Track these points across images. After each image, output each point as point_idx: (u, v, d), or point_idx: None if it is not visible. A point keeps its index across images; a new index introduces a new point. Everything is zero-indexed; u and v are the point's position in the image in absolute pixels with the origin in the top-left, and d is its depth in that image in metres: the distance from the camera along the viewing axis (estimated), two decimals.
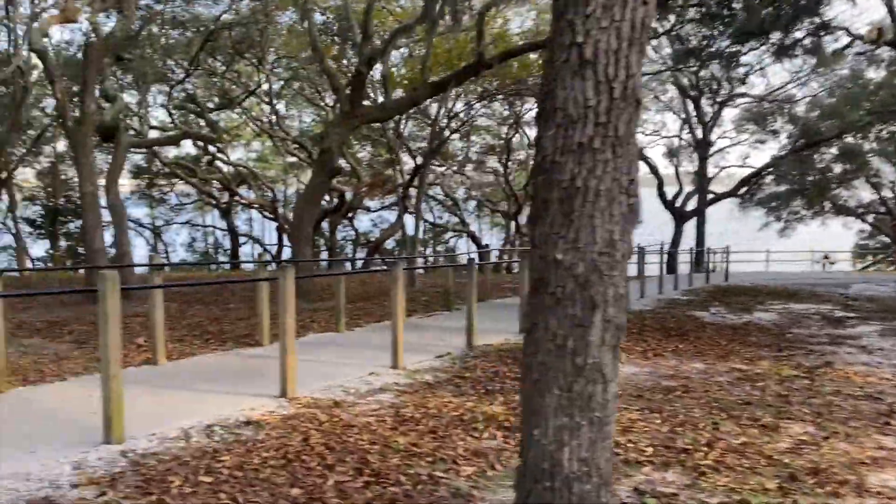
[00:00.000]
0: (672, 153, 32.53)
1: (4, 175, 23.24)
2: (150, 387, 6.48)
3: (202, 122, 20.58)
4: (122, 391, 4.84)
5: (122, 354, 8.17)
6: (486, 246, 34.88)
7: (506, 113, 29.38)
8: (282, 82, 24.20)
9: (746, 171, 34.94)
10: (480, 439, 5.02)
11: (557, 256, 2.99)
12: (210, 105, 20.86)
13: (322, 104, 26.95)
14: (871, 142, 34.11)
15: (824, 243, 42.21)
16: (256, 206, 29.24)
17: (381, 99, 16.37)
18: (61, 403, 5.90)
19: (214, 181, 28.66)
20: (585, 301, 2.99)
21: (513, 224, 34.41)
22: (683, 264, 30.27)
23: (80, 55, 14.74)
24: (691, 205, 32.15)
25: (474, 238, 34.25)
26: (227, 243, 35.42)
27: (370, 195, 28.94)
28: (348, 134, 14.26)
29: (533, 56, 15.95)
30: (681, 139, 32.45)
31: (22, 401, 6.00)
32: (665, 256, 22.84)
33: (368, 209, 34.93)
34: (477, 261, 22.59)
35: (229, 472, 4.29)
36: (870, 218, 41.25)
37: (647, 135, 33.11)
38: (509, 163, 30.79)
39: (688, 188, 32.24)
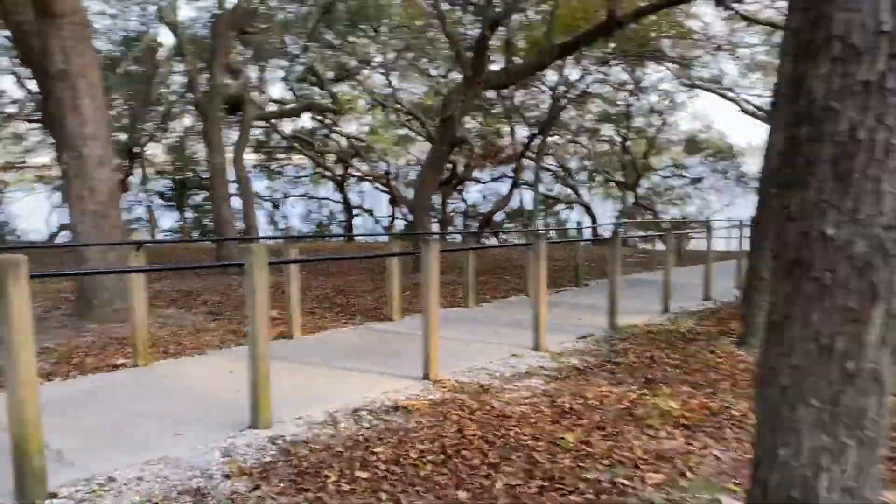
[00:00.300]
0: None
1: (137, 150, 24.23)
2: (288, 363, 6.23)
3: (320, 95, 20.62)
4: (269, 372, 4.53)
5: None
6: (594, 220, 33.76)
7: (624, 77, 28.04)
8: (395, 53, 23.89)
9: None
10: (658, 439, 4.40)
11: (827, 231, 2.32)
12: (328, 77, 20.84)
13: (434, 74, 26.55)
14: None
15: None
16: (370, 178, 29.29)
17: (496, 67, 15.71)
18: (203, 380, 5.72)
19: (330, 154, 28.89)
20: (864, 290, 2.31)
21: (630, 195, 33.06)
22: None
23: (204, 32, 14.86)
24: None
25: (588, 209, 33.08)
26: (340, 215, 35.96)
27: (482, 166, 28.39)
28: (471, 102, 13.70)
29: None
30: None
31: (165, 376, 5.87)
32: None
33: (477, 181, 34.46)
34: (593, 234, 21.59)
35: (386, 468, 3.88)
36: None
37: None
38: (629, 131, 29.36)
39: None
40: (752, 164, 34.49)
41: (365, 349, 6.94)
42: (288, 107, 20.84)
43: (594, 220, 33.19)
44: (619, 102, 32.61)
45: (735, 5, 14.47)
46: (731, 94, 28.94)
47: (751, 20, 15.43)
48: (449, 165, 27.44)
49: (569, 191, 36.16)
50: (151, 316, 8.33)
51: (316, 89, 21.14)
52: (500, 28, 13.58)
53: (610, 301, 8.28)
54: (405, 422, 4.67)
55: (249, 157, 36.91)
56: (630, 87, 27.48)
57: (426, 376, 5.73)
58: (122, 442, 4.26)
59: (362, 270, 14.34)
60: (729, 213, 32.96)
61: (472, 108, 14.99)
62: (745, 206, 34.50)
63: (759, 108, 29.69)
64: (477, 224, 33.15)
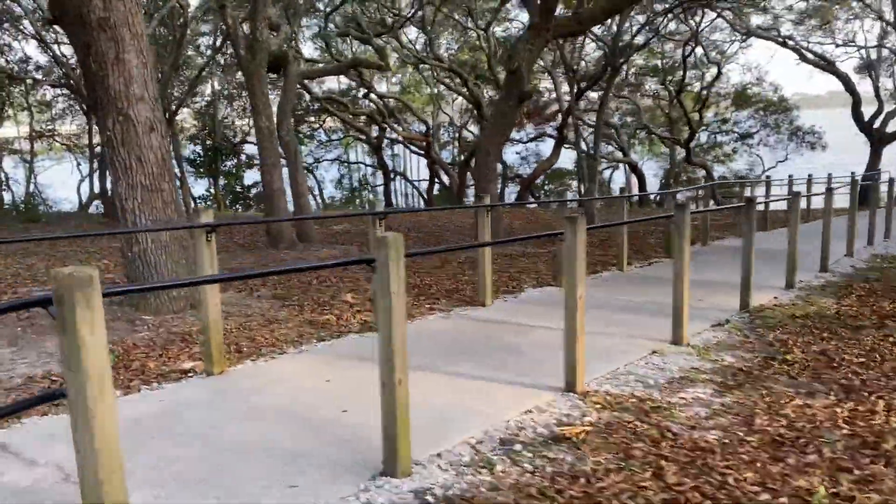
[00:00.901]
0: (869, 67, 28.14)
1: (167, 116, 23.14)
2: None
3: (362, 51, 19.35)
4: (409, 404, 3.42)
5: (334, 317, 7.09)
6: (641, 179, 32.20)
7: (672, 27, 26.33)
8: (433, 6, 22.38)
9: None
10: None
11: None
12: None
13: (472, 27, 25.01)
14: None
15: None
16: (408, 140, 27.98)
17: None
18: (297, 393, 4.65)
19: (363, 115, 27.61)
20: None
21: (679, 151, 31.47)
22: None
23: None
24: (891, 126, 27.87)
25: (635, 169, 31.55)
26: (376, 179, 34.75)
27: (525, 124, 26.98)
28: (540, 50, 12.37)
29: None
30: (881, 48, 27.97)
31: (249, 389, 4.81)
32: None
33: (515, 141, 32.97)
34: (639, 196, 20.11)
35: None
36: None
37: (837, 46, 28.83)
38: (681, 84, 27.68)
39: (888, 107, 27.89)
40: (807, 118, 32.64)
41: (470, 344, 5.83)
42: (335, 64, 19.50)
43: (641, 180, 31.72)
44: (666, 54, 30.96)
45: None
46: (790, 43, 27.09)
47: None
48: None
49: (611, 149, 34.67)
50: None
51: (356, 45, 19.91)
52: None
53: (744, 276, 7.07)
54: (576, 460, 3.57)
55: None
56: (678, 37, 25.78)
57: (570, 388, 4.61)
58: (220, 495, 3.21)
59: (421, 244, 13.24)
60: (785, 169, 31.29)
61: (539, 58, 13.60)
62: (801, 162, 32.82)
63: (820, 57, 27.83)
64: (518, 187, 31.86)
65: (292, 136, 13.18)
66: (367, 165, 35.21)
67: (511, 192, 34.66)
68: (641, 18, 22.92)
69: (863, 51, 28.55)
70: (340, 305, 7.49)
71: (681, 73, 30.16)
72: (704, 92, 29.09)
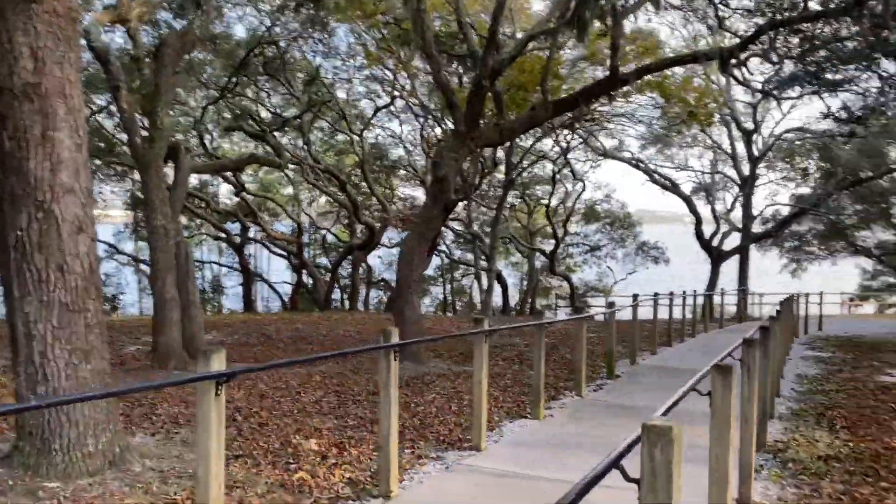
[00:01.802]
0: (705, 189, 30.79)
1: None
2: None
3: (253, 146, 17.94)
4: None
5: (307, 475, 5.43)
6: (504, 287, 32.50)
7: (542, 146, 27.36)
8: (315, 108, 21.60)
9: (771, 210, 33.51)
10: None
11: None
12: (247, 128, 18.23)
13: (349, 132, 24.47)
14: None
15: (827, 284, 40.81)
16: (276, 240, 26.26)
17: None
18: None
19: (217, 212, 25.69)
20: None
21: (539, 262, 32.15)
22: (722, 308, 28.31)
23: (135, 59, 11.94)
24: (727, 244, 30.39)
25: (499, 278, 31.72)
26: (230, 281, 32.24)
27: (403, 229, 26.35)
28: (464, 158, 11.78)
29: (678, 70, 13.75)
30: (714, 175, 30.79)
31: None
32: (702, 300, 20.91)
33: (380, 245, 32.23)
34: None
35: None
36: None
37: (678, 170, 31.40)
38: (549, 198, 28.53)
39: (724, 228, 30.47)
40: (655, 234, 34.89)
41: None
42: (230, 158, 17.84)
43: (504, 288, 31.94)
44: (526, 170, 32.08)
45: (737, 72, 13.72)
46: (641, 165, 29.04)
47: (747, 86, 14.76)
48: (365, 228, 25.19)
49: (469, 256, 34.85)
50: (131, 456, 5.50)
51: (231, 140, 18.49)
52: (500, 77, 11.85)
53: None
54: None
55: (118, 214, 32.64)
56: (552, 154, 26.81)
57: None
58: None
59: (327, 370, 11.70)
60: (635, 280, 32.89)
61: (463, 165, 13.02)
62: (651, 274, 34.76)
63: (666, 178, 30.03)
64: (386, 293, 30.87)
65: (183, 237, 11.41)
66: (220, 265, 32.69)
67: (374, 297, 33.53)
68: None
69: (699, 175, 31.25)
70: (303, 455, 5.93)
71: (538, 188, 31.36)
72: (568, 206, 30.22)
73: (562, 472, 5.49)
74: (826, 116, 16.63)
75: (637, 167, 28.69)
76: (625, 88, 14.29)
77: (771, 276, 38.91)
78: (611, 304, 10.66)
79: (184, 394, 8.35)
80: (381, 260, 34.39)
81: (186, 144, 15.99)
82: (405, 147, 27.23)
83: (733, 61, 12.29)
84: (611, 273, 33.95)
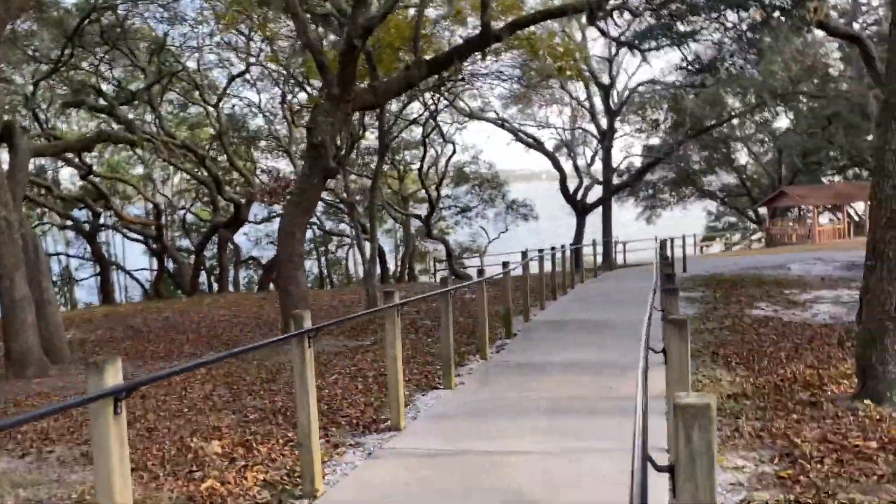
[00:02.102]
0: (567, 145, 31.67)
1: None
2: None
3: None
4: None
5: (217, 483, 4.76)
6: (382, 256, 32.04)
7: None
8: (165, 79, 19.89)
9: (627, 162, 35.12)
10: None
11: None
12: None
13: (203, 103, 22.89)
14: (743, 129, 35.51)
15: (678, 228, 43.57)
16: (133, 225, 24.26)
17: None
18: None
19: (74, 199, 23.37)
20: None
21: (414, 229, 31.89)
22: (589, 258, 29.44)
23: None
24: (590, 198, 31.50)
25: (372, 244, 31.12)
26: (82, 272, 29.62)
27: (270, 203, 25.12)
28: (342, 123, 11.12)
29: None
30: (574, 130, 31.68)
31: None
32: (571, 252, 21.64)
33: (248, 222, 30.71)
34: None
35: None
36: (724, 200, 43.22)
37: (539, 128, 32.04)
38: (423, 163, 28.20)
39: (587, 181, 31.52)
40: (523, 192, 35.56)
41: None
42: (77, 136, 15.95)
43: (381, 256, 31.45)
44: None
45: (604, 26, 13.83)
46: (508, 125, 29.31)
47: (622, 43, 14.94)
48: (229, 204, 23.81)
49: (342, 227, 34.06)
50: None
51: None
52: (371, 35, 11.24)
53: None
54: None
55: None
56: (420, 118, 26.39)
57: None
58: None
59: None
60: (507, 238, 33.46)
61: (343, 130, 12.35)
62: (521, 231, 35.45)
63: (531, 137, 30.53)
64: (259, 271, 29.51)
65: (29, 229, 10.09)
66: (70, 256, 29.94)
67: (244, 278, 32.07)
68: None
69: (561, 132, 32.04)
70: (206, 460, 5.29)
71: (406, 153, 30.96)
72: (439, 170, 30.04)
73: (489, 443, 5.23)
74: (680, 68, 17.31)
75: (503, 127, 28.93)
76: (494, 46, 14.08)
77: (628, 225, 40.99)
78: (505, 265, 10.53)
79: (50, 402, 7.36)
80: (248, 237, 32.91)
81: (21, 124, 14.17)
82: (265, 116, 25.88)
83: (600, 13, 12.35)
84: (484, 233, 34.35)
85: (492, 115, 28.92)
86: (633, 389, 6.64)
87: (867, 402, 5.65)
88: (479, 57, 16.32)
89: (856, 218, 38.35)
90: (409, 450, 5.26)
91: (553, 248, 14.92)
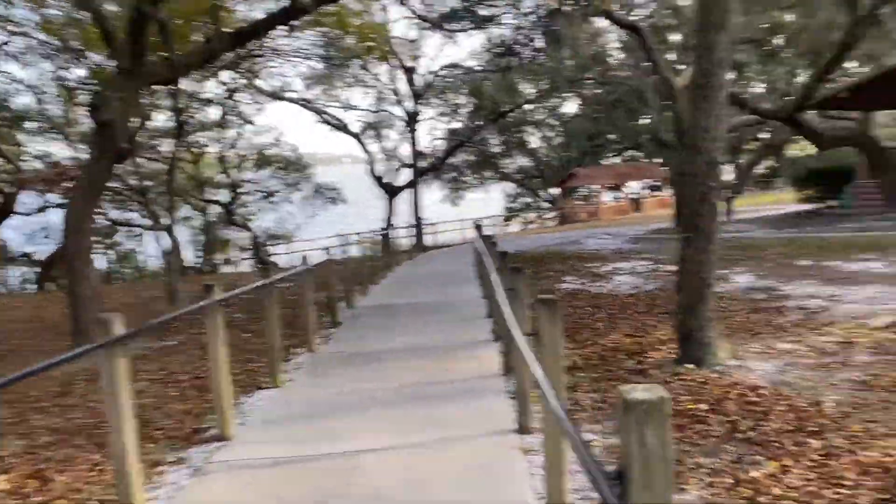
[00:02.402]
0: (374, 128, 31.44)
1: None
2: None
3: None
4: None
5: None
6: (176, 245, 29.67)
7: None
8: None
9: (433, 145, 35.71)
10: None
11: None
12: None
13: None
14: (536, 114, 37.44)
15: (480, 209, 45.27)
16: None
17: None
18: None
19: None
20: None
21: (213, 213, 29.91)
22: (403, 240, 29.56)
23: None
24: (399, 180, 31.60)
25: (170, 233, 28.81)
26: None
27: (45, 192, 22.15)
28: (135, 100, 9.88)
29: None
30: (380, 113, 31.52)
31: None
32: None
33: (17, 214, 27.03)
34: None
35: None
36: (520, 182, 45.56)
37: (345, 110, 31.47)
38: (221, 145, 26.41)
39: (394, 164, 31.55)
40: (330, 175, 34.71)
41: None
42: None
43: (176, 246, 29.08)
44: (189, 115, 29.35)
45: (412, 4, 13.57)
46: (312, 106, 28.42)
47: (429, 23, 14.73)
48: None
49: (131, 216, 31.12)
50: None
51: None
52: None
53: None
54: None
55: None
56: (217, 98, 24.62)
57: None
58: None
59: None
60: (319, 222, 32.61)
61: (136, 106, 10.99)
62: (331, 215, 34.62)
63: (336, 119, 29.85)
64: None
65: None
66: None
67: (17, 276, 28.30)
68: None
69: (367, 114, 31.72)
70: None
71: (200, 136, 28.92)
72: (239, 153, 28.42)
73: (336, 444, 4.81)
74: (487, 51, 17.70)
75: (306, 108, 28.02)
76: (302, 19, 13.38)
77: (433, 206, 41.78)
78: (327, 249, 10.02)
79: None
80: (19, 231, 29.00)
81: None
82: (35, 93, 22.78)
83: None
84: (291, 218, 33.19)
85: (293, 95, 27.89)
86: (475, 369, 6.58)
87: (689, 366, 5.97)
88: (282, 33, 15.50)
89: (633, 195, 42.20)
90: (244, 461, 4.68)
91: (374, 232, 14.60)
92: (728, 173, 39.78)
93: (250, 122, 27.43)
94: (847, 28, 16.33)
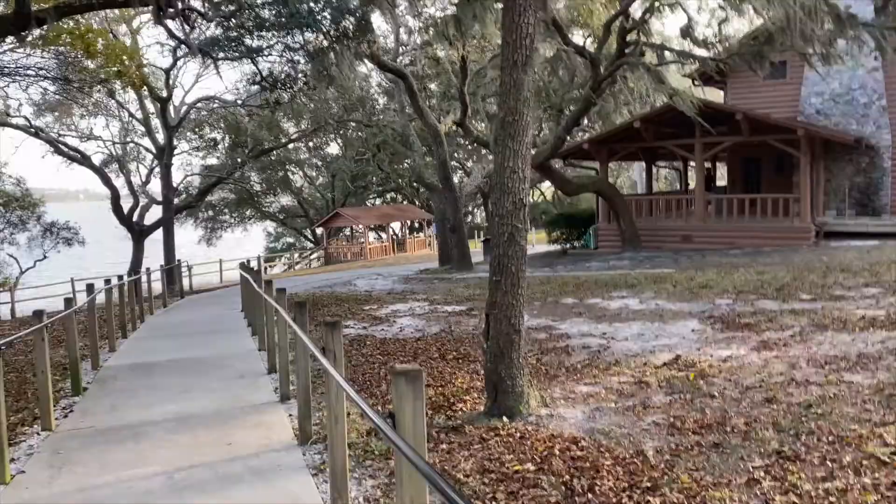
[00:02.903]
0: (118, 160, 28.28)
1: None
2: None
3: None
4: None
5: None
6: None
7: None
8: None
9: (186, 181, 33.25)
10: None
11: None
12: None
13: None
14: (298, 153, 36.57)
15: (239, 250, 43.09)
16: None
17: None
18: None
19: None
20: None
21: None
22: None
23: None
24: (148, 219, 28.60)
25: None
26: None
27: None
28: None
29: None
30: (126, 144, 28.48)
31: None
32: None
33: None
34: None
35: None
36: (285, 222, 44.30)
37: (82, 140, 27.94)
38: None
39: (143, 200, 28.57)
40: (65, 213, 30.29)
41: None
42: None
43: None
44: None
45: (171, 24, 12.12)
46: (44, 135, 24.77)
47: (193, 49, 13.25)
48: None
49: None
50: None
51: None
52: None
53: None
54: None
55: None
56: None
57: None
58: None
59: None
60: (48, 267, 28.32)
61: None
62: (63, 259, 30.14)
63: (74, 150, 26.34)
64: None
65: None
66: None
67: None
68: None
69: (110, 146, 28.53)
70: None
71: None
72: None
73: None
74: (255, 83, 16.62)
75: (37, 136, 24.37)
76: (37, 33, 11.35)
77: (186, 247, 38.73)
78: (68, 301, 8.28)
79: None
80: None
81: None
82: None
83: (171, 10, 10.89)
84: (14, 263, 28.47)
85: (20, 121, 24.13)
86: (260, 440, 5.59)
87: (504, 419, 5.59)
88: (7, 45, 13.17)
89: (396, 235, 42.90)
90: None
91: (122, 277, 12.69)
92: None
93: None
94: (591, 85, 17.93)
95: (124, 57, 12.21)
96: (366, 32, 16.34)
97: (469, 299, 14.33)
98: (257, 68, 14.34)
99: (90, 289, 10.33)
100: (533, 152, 22.46)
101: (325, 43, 16.92)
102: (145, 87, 20.98)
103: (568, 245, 24.06)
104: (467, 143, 26.94)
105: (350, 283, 21.81)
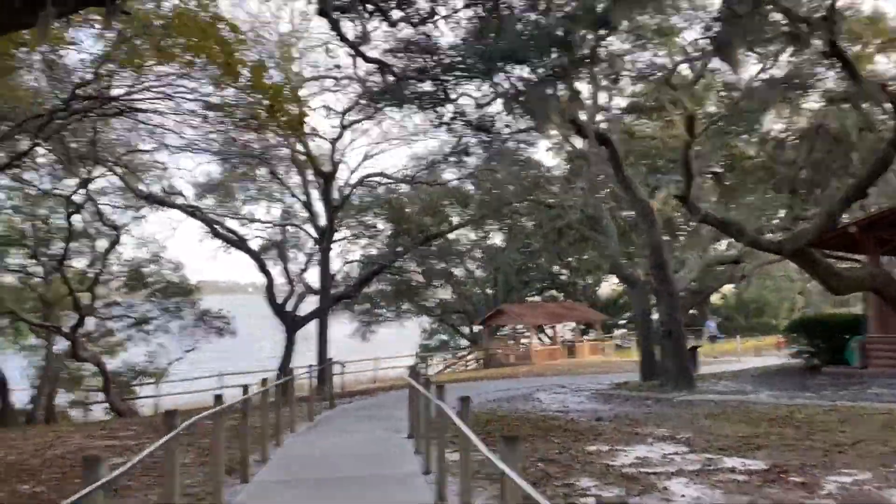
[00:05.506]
0: (277, 245, 25.76)
1: None
2: None
3: None
4: None
5: None
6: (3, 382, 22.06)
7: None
8: None
9: (345, 269, 30.33)
10: None
11: None
12: None
13: None
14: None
15: (393, 347, 39.39)
16: None
17: None
18: None
19: None
20: None
21: (60, 341, 22.72)
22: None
23: None
24: (302, 309, 25.63)
25: None
26: None
27: None
28: None
29: None
30: (287, 229, 26.02)
31: None
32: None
33: None
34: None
35: None
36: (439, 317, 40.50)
37: (242, 225, 25.76)
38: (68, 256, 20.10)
39: (298, 289, 25.71)
40: (214, 303, 28.15)
41: None
42: None
43: (3, 384, 21.58)
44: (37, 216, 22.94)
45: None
46: (201, 214, 22.65)
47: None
48: None
49: None
50: None
51: None
52: None
53: None
54: None
55: None
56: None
57: None
58: None
59: None
60: (197, 358, 25.90)
61: None
62: (211, 349, 27.83)
63: (232, 232, 24.10)
64: None
65: None
66: None
67: None
68: None
69: (269, 231, 26.18)
70: None
71: (62, 243, 22.45)
72: (96, 267, 21.95)
73: None
74: (442, 124, 12.91)
75: (193, 216, 22.21)
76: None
77: (339, 341, 35.59)
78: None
79: None
80: None
81: None
82: None
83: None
84: (164, 351, 26.22)
85: (179, 200, 22.14)
86: None
87: None
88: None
89: (562, 338, 37.63)
90: None
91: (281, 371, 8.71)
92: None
93: (115, 228, 21.29)
94: (892, 139, 12.64)
95: (276, 89, 8.82)
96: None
97: (748, 444, 9.10)
98: (452, 111, 10.45)
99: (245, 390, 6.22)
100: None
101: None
102: (308, 160, 18.05)
103: (815, 360, 18.04)
104: (688, 223, 21.84)
105: (531, 397, 17.07)
